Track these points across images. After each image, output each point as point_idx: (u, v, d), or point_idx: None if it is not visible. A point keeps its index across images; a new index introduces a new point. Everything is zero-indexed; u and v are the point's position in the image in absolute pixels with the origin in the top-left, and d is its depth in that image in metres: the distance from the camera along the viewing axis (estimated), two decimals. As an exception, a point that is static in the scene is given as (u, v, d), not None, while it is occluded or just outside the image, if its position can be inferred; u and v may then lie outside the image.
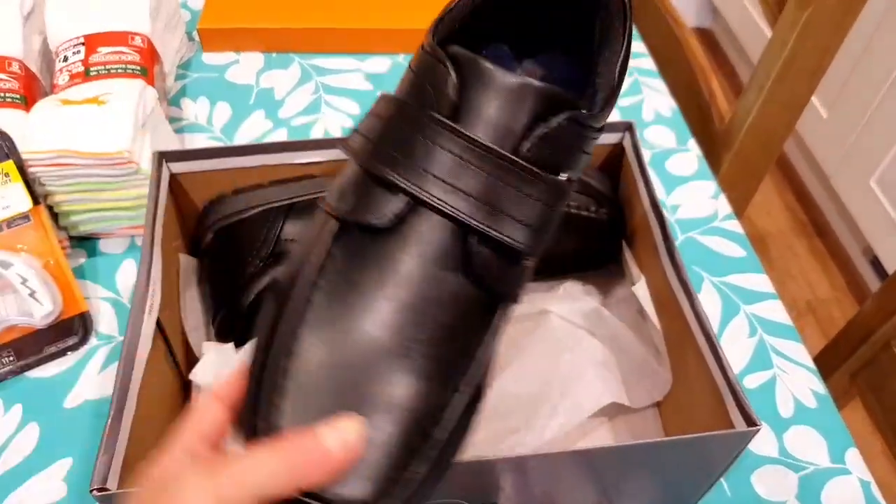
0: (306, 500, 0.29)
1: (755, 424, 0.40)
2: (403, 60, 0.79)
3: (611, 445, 0.37)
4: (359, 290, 0.33)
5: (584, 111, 0.35)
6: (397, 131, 0.34)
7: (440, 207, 0.32)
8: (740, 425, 0.41)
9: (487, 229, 0.33)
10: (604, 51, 0.37)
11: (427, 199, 0.32)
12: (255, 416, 0.31)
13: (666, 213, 0.51)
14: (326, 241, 0.34)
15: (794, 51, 0.65)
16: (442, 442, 0.32)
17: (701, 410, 0.46)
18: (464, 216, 0.32)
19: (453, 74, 0.33)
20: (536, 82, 0.33)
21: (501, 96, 0.33)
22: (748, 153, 0.75)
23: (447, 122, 0.33)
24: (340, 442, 0.29)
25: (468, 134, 0.33)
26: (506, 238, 0.33)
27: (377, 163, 0.33)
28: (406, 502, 0.31)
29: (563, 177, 0.35)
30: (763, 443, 0.53)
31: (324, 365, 0.32)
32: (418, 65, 0.35)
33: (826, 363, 0.74)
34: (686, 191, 0.68)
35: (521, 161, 0.33)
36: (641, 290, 0.51)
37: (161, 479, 0.30)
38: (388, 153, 0.33)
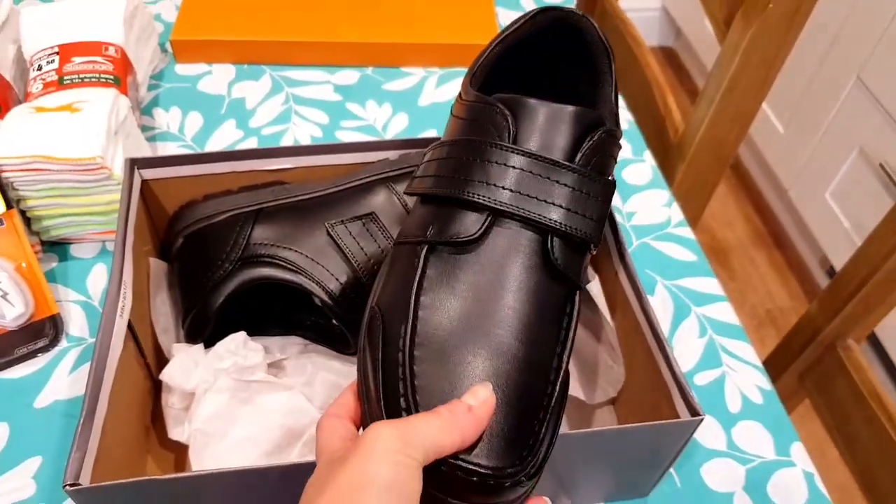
0: (465, 466, 0.34)
1: (699, 415, 0.43)
2: (372, 72, 0.81)
3: (563, 433, 0.39)
4: (458, 296, 0.39)
5: (611, 127, 0.42)
6: (468, 162, 0.40)
7: (519, 213, 0.39)
8: (686, 417, 0.44)
9: (564, 227, 0.39)
10: (600, 84, 0.46)
11: (506, 209, 0.39)
12: (390, 414, 0.36)
13: (619, 219, 0.54)
14: (419, 263, 0.40)
15: (740, 66, 0.68)
16: (554, 408, 0.38)
17: (651, 405, 0.48)
18: (541, 217, 0.39)
19: (507, 111, 0.40)
20: (572, 107, 0.40)
21: (549, 121, 0.40)
22: (700, 164, 0.78)
23: (513, 146, 0.40)
24: (480, 401, 0.35)
25: (532, 151, 0.40)
26: (579, 233, 0.40)
27: (455, 189, 0.40)
28: (539, 465, 0.36)
29: (610, 178, 0.42)
30: (712, 437, 0.55)
31: (444, 355, 0.37)
32: (467, 111, 0.43)
33: (776, 364, 0.77)
34: (641, 199, 0.71)
35: (579, 167, 0.40)
36: (595, 288, 0.53)
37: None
38: (465, 179, 0.40)
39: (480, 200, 0.39)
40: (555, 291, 0.40)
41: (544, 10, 0.46)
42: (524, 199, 0.39)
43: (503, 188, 0.39)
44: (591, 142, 0.40)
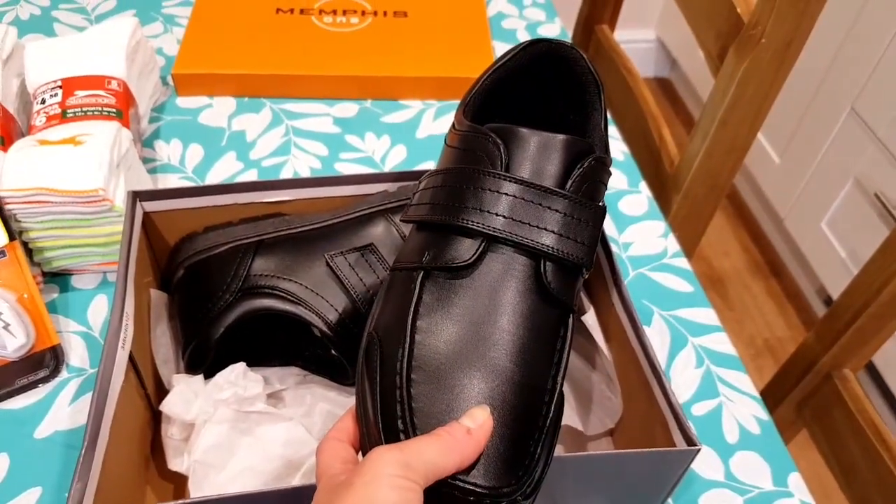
0: (462, 486, 0.35)
1: (695, 444, 0.43)
2: (370, 105, 0.82)
3: (559, 455, 0.40)
4: (453, 320, 0.40)
5: (601, 154, 0.43)
6: (462, 189, 0.41)
7: (512, 239, 0.40)
8: (682, 446, 0.44)
9: (557, 252, 0.40)
10: (589, 114, 0.47)
11: (500, 234, 0.40)
12: (388, 436, 0.37)
13: (615, 250, 0.54)
14: (415, 289, 0.41)
15: (734, 99, 0.70)
16: (549, 429, 0.39)
17: (648, 436, 0.49)
18: (534, 242, 0.40)
19: (499, 140, 0.41)
20: (562, 135, 0.41)
21: (540, 149, 0.41)
22: (695, 195, 0.79)
23: (505, 173, 0.41)
24: (478, 424, 0.36)
25: (525, 178, 0.40)
26: (571, 257, 0.41)
27: (450, 216, 0.41)
28: (535, 485, 0.37)
29: (601, 203, 0.44)
30: (710, 467, 0.55)
31: (441, 378, 0.38)
32: (461, 140, 0.44)
33: (773, 395, 0.78)
34: (637, 230, 0.72)
35: (570, 194, 0.41)
36: (591, 319, 0.54)
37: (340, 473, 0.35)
38: (459, 206, 0.41)
39: (474, 227, 0.40)
40: (548, 314, 0.41)
41: (535, 42, 0.47)
42: (517, 225, 0.40)
43: (496, 214, 0.40)
44: (581, 169, 0.42)
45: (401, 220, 0.47)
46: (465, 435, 0.35)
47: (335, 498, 0.32)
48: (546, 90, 0.49)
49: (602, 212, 0.43)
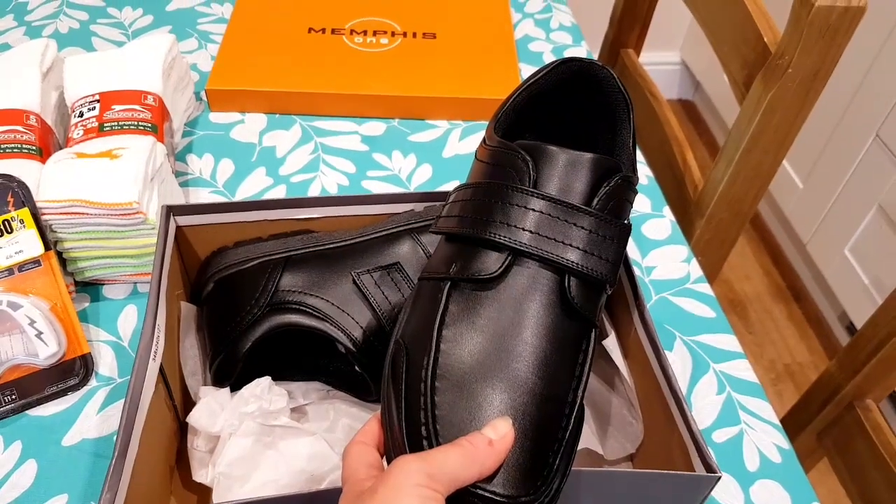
0: (482, 494, 0.36)
1: (714, 471, 0.43)
2: (398, 124, 0.84)
3: (577, 468, 0.40)
4: (478, 330, 0.41)
5: (628, 173, 0.44)
6: (490, 204, 0.42)
7: (537, 254, 0.41)
8: (702, 472, 0.44)
9: (581, 268, 0.41)
10: (618, 132, 0.48)
11: (526, 249, 0.41)
12: (412, 442, 0.38)
13: (638, 274, 0.55)
14: (442, 299, 0.42)
15: (759, 127, 0.70)
16: (568, 441, 0.40)
17: (668, 462, 0.49)
18: (559, 258, 0.41)
19: (528, 157, 0.42)
20: (590, 154, 0.42)
21: (567, 166, 0.42)
22: (719, 220, 0.79)
23: (533, 189, 0.42)
24: (500, 435, 0.37)
25: (552, 195, 0.41)
26: (595, 273, 0.41)
27: (478, 229, 0.42)
28: (553, 495, 0.38)
29: (626, 221, 0.44)
30: (729, 496, 0.55)
31: (464, 387, 0.39)
32: (491, 155, 0.45)
33: (794, 422, 0.77)
34: (660, 254, 0.72)
35: (596, 211, 0.42)
36: (611, 343, 0.54)
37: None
38: (487, 220, 0.42)
39: (502, 241, 0.41)
40: (571, 329, 0.42)
41: (566, 62, 0.48)
42: (543, 241, 0.41)
43: (523, 229, 0.41)
44: (608, 187, 0.42)
45: (430, 232, 0.48)
46: (486, 446, 0.36)
47: None
48: (576, 108, 0.50)
49: (627, 230, 0.44)
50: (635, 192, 0.46)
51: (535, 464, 0.38)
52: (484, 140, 0.47)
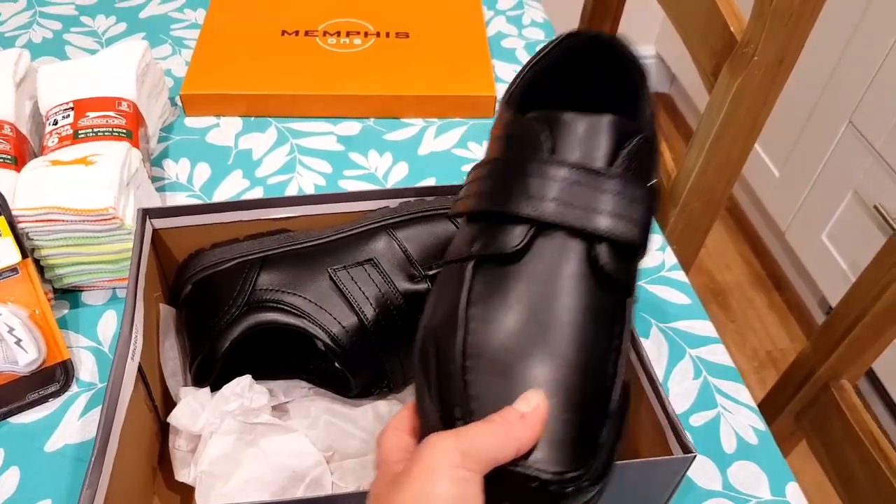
0: (523, 472, 0.34)
1: (691, 452, 0.44)
2: (373, 124, 0.84)
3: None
4: (507, 306, 0.39)
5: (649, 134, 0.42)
6: (508, 177, 0.41)
7: (564, 223, 0.39)
8: (678, 454, 0.45)
9: (610, 233, 0.39)
10: (634, 100, 0.45)
11: (551, 219, 0.39)
12: (446, 424, 0.36)
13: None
14: (466, 278, 0.40)
15: (728, 115, 0.71)
16: (615, 414, 0.38)
17: (647, 446, 0.50)
18: (586, 225, 0.39)
19: (544, 125, 0.41)
20: (609, 116, 0.40)
21: (586, 131, 0.40)
22: (692, 209, 0.80)
23: (552, 157, 0.40)
24: (532, 407, 0.35)
25: (571, 161, 0.40)
26: (625, 237, 0.39)
27: (498, 204, 0.41)
28: (602, 470, 0.36)
29: (653, 184, 0.42)
30: (708, 477, 0.56)
31: (497, 365, 0.38)
32: (506, 130, 0.44)
33: (773, 405, 0.78)
34: (635, 243, 0.73)
35: (620, 173, 0.40)
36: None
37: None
38: (506, 194, 0.40)
39: (523, 213, 0.40)
40: (604, 298, 0.40)
41: (571, 35, 0.46)
42: (567, 209, 0.39)
43: (546, 199, 0.39)
44: (628, 148, 0.40)
45: (448, 217, 0.46)
46: (518, 419, 0.34)
47: (394, 489, 0.32)
48: (588, 81, 0.48)
49: (655, 193, 0.42)
50: (659, 155, 0.44)
51: (580, 437, 0.36)
52: (496, 119, 0.46)
